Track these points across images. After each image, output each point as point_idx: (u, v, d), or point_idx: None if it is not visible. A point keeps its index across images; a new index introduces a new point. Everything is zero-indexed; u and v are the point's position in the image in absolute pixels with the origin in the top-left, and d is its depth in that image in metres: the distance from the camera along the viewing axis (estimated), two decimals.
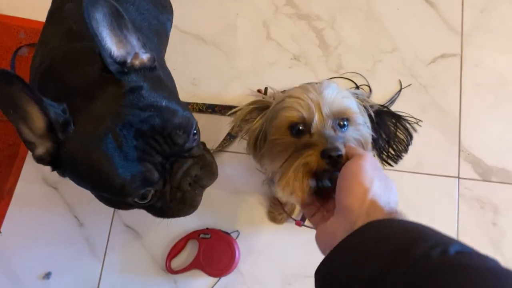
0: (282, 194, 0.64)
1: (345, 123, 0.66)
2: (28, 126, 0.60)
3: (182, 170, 0.66)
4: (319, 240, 0.55)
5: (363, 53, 1.28)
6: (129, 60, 0.65)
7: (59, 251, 1.17)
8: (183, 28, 1.30)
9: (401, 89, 1.23)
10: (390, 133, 1.20)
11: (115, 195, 0.64)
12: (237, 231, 1.15)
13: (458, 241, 0.39)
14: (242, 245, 1.13)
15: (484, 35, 1.27)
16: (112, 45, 0.63)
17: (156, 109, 0.62)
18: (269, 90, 0.78)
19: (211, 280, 1.12)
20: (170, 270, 1.12)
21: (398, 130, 1.21)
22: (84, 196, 1.17)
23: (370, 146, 0.72)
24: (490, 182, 1.15)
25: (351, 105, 0.69)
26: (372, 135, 1.19)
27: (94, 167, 0.60)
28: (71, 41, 0.76)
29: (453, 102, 1.22)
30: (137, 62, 0.66)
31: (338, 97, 0.66)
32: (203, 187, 0.71)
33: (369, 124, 0.75)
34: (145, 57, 0.68)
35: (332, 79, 1.25)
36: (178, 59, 1.27)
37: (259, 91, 1.23)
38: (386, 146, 1.19)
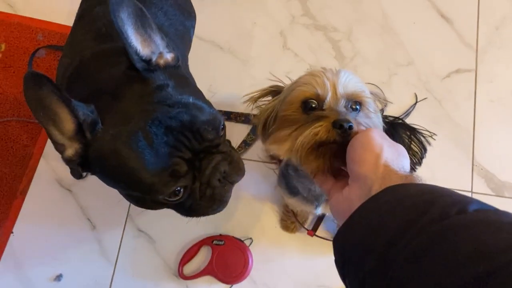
0: (282, 153, 0.65)
1: (357, 107, 0.66)
2: (57, 128, 0.61)
3: (211, 166, 0.66)
4: (335, 209, 0.56)
5: (378, 65, 1.29)
6: (154, 59, 0.66)
7: (71, 254, 1.17)
8: (201, 34, 1.31)
9: (416, 102, 1.24)
10: (404, 145, 1.20)
11: (146, 193, 0.64)
12: (250, 238, 1.15)
13: (476, 200, 0.39)
14: (255, 253, 1.14)
15: (498, 51, 1.28)
16: (138, 43, 0.64)
17: (184, 106, 0.63)
18: (287, 79, 0.78)
19: (223, 287, 1.12)
20: (183, 276, 1.12)
21: (413, 142, 1.22)
22: (99, 200, 1.19)
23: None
24: (503, 198, 1.16)
25: (365, 89, 0.69)
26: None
27: (124, 165, 0.61)
28: (100, 42, 0.77)
29: (467, 117, 1.23)
30: (161, 62, 0.68)
31: (353, 81, 0.66)
32: (232, 183, 0.71)
33: (379, 114, 0.74)
34: (169, 56, 0.69)
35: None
36: (194, 65, 1.27)
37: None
38: None
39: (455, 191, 0.42)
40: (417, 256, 0.36)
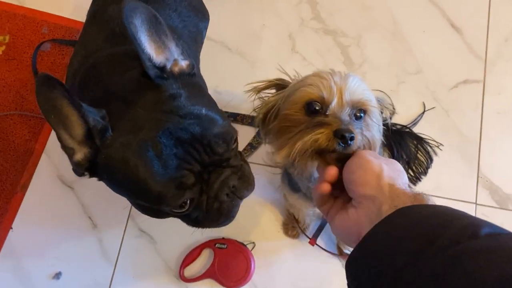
0: (280, 159, 0.64)
1: (361, 115, 0.65)
2: (67, 132, 0.60)
3: (220, 180, 0.65)
4: (341, 231, 0.55)
5: (387, 73, 1.28)
6: (168, 67, 0.65)
7: (71, 252, 1.16)
8: (209, 34, 1.28)
9: (424, 111, 1.24)
10: (411, 154, 1.20)
11: (152, 203, 0.63)
12: (253, 242, 1.14)
13: (488, 223, 0.39)
14: (257, 257, 1.13)
15: (507, 64, 1.28)
16: (151, 50, 0.62)
17: (196, 117, 0.62)
18: (293, 74, 0.77)
19: None
20: (184, 278, 1.11)
21: (419, 152, 1.21)
22: (100, 198, 1.18)
23: (377, 150, 0.70)
24: (507, 210, 1.16)
25: (372, 98, 0.68)
26: (394, 155, 1.19)
27: (132, 174, 0.60)
28: (113, 44, 0.76)
29: (474, 128, 1.23)
30: (176, 69, 0.66)
31: (361, 88, 0.65)
32: (241, 198, 0.70)
33: (381, 127, 0.73)
34: (184, 63, 0.67)
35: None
36: (202, 65, 1.27)
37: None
38: (406, 167, 1.20)
39: (464, 211, 0.42)
40: (432, 281, 0.36)
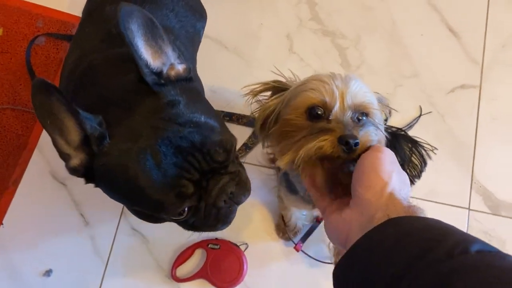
0: (283, 165, 0.63)
1: (364, 118, 0.65)
2: (63, 137, 0.59)
3: (218, 187, 0.64)
4: (331, 230, 0.55)
5: (384, 76, 1.28)
6: (165, 71, 0.64)
7: (62, 249, 1.15)
8: (206, 32, 1.27)
9: (420, 115, 1.23)
10: (405, 157, 1.20)
11: (150, 211, 0.63)
12: (246, 243, 1.14)
13: (479, 240, 0.39)
14: (250, 258, 1.12)
15: (504, 70, 1.28)
16: (148, 55, 0.62)
17: (195, 125, 0.61)
18: (289, 75, 0.76)
19: None
20: (175, 278, 1.11)
21: (413, 155, 1.21)
22: (93, 195, 1.16)
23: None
24: (500, 217, 1.17)
25: (373, 101, 0.67)
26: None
27: (130, 183, 0.59)
28: (110, 45, 0.74)
29: (469, 133, 1.23)
30: (173, 73, 0.65)
31: (362, 91, 0.64)
32: (238, 204, 0.70)
33: (383, 127, 0.73)
34: (180, 67, 0.66)
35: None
36: (198, 64, 1.26)
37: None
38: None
39: (455, 226, 0.42)
40: None
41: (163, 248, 1.14)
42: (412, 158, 1.23)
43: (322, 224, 1.04)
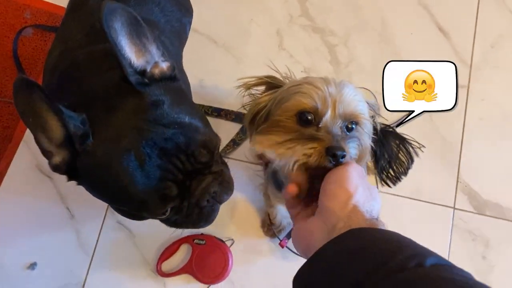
0: (259, 148, 0.64)
1: (353, 126, 0.65)
2: (46, 135, 0.59)
3: (201, 187, 0.64)
4: (296, 237, 0.56)
5: (373, 74, 1.28)
6: (148, 69, 0.64)
7: (47, 242, 1.15)
8: (196, 26, 1.28)
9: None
10: (393, 154, 1.21)
11: (133, 210, 0.64)
12: (231, 239, 1.14)
13: (435, 254, 0.41)
14: (235, 254, 1.13)
15: (492, 70, 1.28)
16: (132, 54, 0.61)
17: (180, 126, 0.61)
18: (284, 71, 0.76)
19: (200, 286, 1.11)
20: (161, 273, 1.11)
21: (401, 152, 1.22)
22: (79, 189, 1.16)
23: (366, 157, 0.71)
24: (484, 216, 1.17)
25: (365, 110, 0.68)
26: (376, 153, 1.20)
27: (113, 183, 0.59)
28: (94, 40, 0.73)
29: (455, 133, 1.24)
30: (156, 71, 0.65)
31: (355, 99, 0.64)
32: (220, 203, 0.70)
33: (371, 135, 0.74)
34: (164, 65, 0.66)
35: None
36: (187, 58, 1.25)
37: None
38: (387, 166, 1.21)
39: (412, 239, 0.44)
40: None
41: (149, 242, 1.14)
42: (400, 155, 1.25)
43: None
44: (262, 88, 0.76)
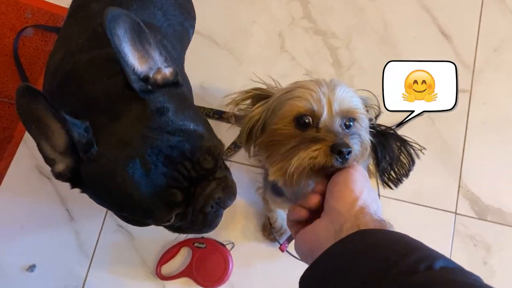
0: (274, 176, 0.63)
1: (351, 123, 0.65)
2: (49, 143, 0.58)
3: (206, 193, 0.64)
4: (299, 242, 0.56)
5: (375, 77, 1.27)
6: (151, 75, 0.63)
7: (46, 244, 1.14)
8: (197, 28, 1.26)
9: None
10: (394, 156, 1.21)
11: (138, 218, 0.64)
12: (232, 242, 1.14)
13: (444, 256, 0.41)
14: (236, 258, 1.12)
15: (494, 74, 1.28)
16: (135, 61, 0.61)
17: (184, 134, 0.61)
18: (269, 82, 0.75)
19: None
20: (160, 276, 1.10)
21: (402, 154, 1.22)
22: (79, 190, 1.15)
23: (367, 152, 0.70)
24: (486, 221, 1.17)
25: (360, 105, 0.67)
26: (377, 155, 1.19)
27: (118, 191, 0.59)
28: (96, 45, 0.72)
29: (458, 137, 1.23)
30: (159, 77, 0.64)
31: (348, 96, 0.64)
32: (224, 208, 0.70)
33: (368, 129, 0.73)
34: (167, 71, 0.65)
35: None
36: (189, 60, 1.25)
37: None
38: (388, 168, 1.20)
39: (422, 242, 0.44)
40: None
41: (149, 245, 1.14)
42: (401, 157, 1.24)
43: None
44: (248, 101, 0.75)
